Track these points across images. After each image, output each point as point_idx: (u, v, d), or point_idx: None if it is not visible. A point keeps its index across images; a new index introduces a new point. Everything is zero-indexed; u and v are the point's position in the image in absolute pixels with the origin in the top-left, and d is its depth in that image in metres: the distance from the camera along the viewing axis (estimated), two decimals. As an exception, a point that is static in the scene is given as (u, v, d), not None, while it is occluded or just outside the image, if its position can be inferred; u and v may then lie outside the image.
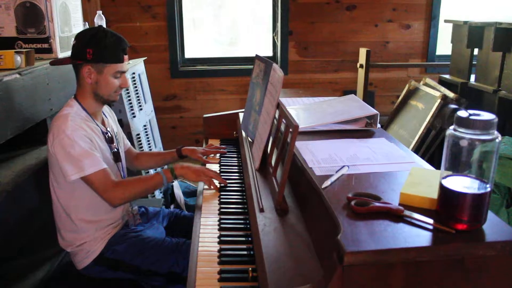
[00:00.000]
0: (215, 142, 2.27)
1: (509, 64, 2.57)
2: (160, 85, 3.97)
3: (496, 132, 0.82)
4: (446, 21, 3.23)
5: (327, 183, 1.12)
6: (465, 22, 2.90)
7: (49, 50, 2.11)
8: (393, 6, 4.03)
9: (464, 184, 0.86)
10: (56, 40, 2.11)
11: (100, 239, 1.69)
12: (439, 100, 2.73)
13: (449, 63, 3.27)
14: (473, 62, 2.98)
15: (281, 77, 1.49)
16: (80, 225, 1.67)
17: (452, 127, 0.85)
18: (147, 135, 3.10)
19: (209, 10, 4.15)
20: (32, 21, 2.06)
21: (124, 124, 2.68)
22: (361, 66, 3.38)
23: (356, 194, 1.02)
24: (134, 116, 2.83)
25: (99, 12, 2.85)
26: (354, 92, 3.27)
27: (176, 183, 2.75)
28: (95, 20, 2.84)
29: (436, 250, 0.83)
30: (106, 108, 1.87)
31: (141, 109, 3.02)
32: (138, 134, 2.86)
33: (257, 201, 1.31)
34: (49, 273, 1.80)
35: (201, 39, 4.14)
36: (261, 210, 1.26)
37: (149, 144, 3.10)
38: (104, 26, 2.80)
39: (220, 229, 1.43)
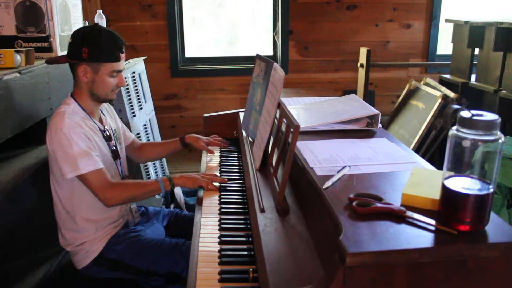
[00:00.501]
0: (216, 142, 2.27)
1: (510, 64, 2.57)
2: (160, 84, 3.96)
3: (499, 133, 0.82)
4: (446, 20, 3.22)
5: (328, 183, 1.11)
6: (466, 22, 2.90)
7: (49, 49, 2.10)
8: (394, 6, 4.03)
9: (466, 185, 0.86)
10: (56, 39, 2.10)
11: (100, 239, 1.69)
12: (439, 100, 2.73)
13: (449, 63, 3.27)
14: (474, 62, 2.98)
15: (282, 76, 1.48)
16: (80, 224, 1.67)
17: (454, 127, 0.84)
18: (147, 134, 3.09)
19: (209, 9, 4.15)
20: (32, 20, 2.05)
21: (124, 124, 2.67)
22: (362, 65, 3.38)
23: (358, 194, 1.02)
24: (134, 116, 2.82)
25: (99, 11, 2.84)
26: (355, 92, 3.27)
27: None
28: (95, 19, 2.83)
29: (438, 251, 0.82)
30: (104, 105, 1.86)
31: (141, 109, 3.02)
32: (138, 134, 2.86)
33: (257, 201, 1.31)
34: (48, 273, 1.80)
35: (201, 38, 4.14)
36: (262, 210, 1.25)
37: (148, 141, 3.09)
38: (104, 25, 2.80)
39: (221, 229, 1.43)
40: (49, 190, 1.70)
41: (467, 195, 0.85)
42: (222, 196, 1.65)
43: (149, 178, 2.88)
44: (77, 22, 2.38)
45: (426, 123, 2.76)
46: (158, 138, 3.42)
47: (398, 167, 1.24)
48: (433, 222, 0.89)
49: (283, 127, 1.40)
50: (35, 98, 1.85)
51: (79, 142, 1.56)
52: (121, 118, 2.63)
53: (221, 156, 2.04)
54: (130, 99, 2.79)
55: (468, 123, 0.82)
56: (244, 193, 1.65)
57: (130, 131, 2.69)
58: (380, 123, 1.67)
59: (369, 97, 3.47)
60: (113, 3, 3.78)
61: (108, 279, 1.69)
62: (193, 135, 2.06)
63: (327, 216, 1.00)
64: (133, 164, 2.39)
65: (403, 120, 3.07)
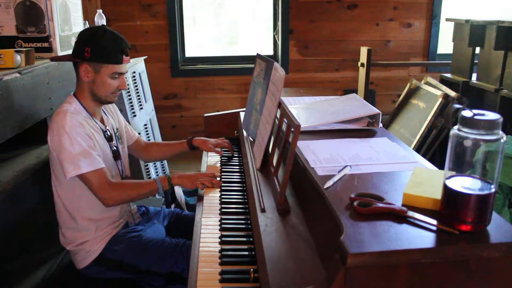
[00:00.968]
0: (216, 142, 2.26)
1: (510, 63, 2.56)
2: (161, 84, 3.96)
3: (501, 132, 0.82)
4: (447, 19, 3.22)
5: (329, 183, 1.11)
6: (467, 21, 2.89)
7: (49, 49, 2.10)
8: (394, 5, 4.02)
9: (468, 184, 0.85)
10: (56, 39, 2.10)
11: (100, 238, 1.69)
12: (440, 99, 2.72)
13: (450, 62, 3.27)
14: (475, 61, 2.97)
15: (282, 76, 1.48)
16: (81, 223, 1.67)
17: (456, 127, 0.84)
18: (147, 134, 3.09)
19: (210, 9, 4.14)
20: (32, 20, 2.05)
21: (124, 123, 2.67)
22: (362, 65, 3.38)
23: (359, 194, 1.02)
24: (135, 115, 2.82)
25: (99, 11, 2.84)
26: (355, 91, 3.26)
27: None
28: (95, 19, 2.83)
29: (439, 251, 0.82)
30: (107, 105, 1.85)
31: (141, 108, 3.02)
32: (139, 133, 2.85)
33: (258, 201, 1.31)
34: (49, 272, 1.80)
35: (201, 38, 4.14)
36: (263, 210, 1.25)
37: (149, 140, 3.09)
38: (104, 24, 2.80)
39: (221, 229, 1.42)
40: (49, 190, 1.70)
41: (469, 195, 0.85)
42: (222, 196, 1.65)
43: (150, 177, 2.88)
44: (77, 22, 2.37)
45: (427, 122, 2.76)
46: (158, 138, 3.42)
47: (399, 166, 1.23)
48: (434, 222, 0.89)
49: (284, 127, 1.40)
50: (35, 98, 1.85)
51: (81, 141, 1.56)
52: (121, 118, 2.63)
53: (221, 156, 2.03)
54: (130, 98, 2.79)
55: (469, 123, 0.81)
56: (245, 193, 1.65)
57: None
58: (381, 122, 1.67)
59: (369, 97, 3.47)
60: (113, 3, 3.78)
61: (109, 279, 1.69)
62: (200, 138, 2.04)
63: (328, 216, 1.00)
64: (134, 164, 2.39)
65: (404, 120, 3.06)
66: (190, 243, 1.53)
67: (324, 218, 1.04)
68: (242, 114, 2.11)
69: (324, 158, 1.30)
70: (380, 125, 1.65)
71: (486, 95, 2.81)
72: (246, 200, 1.60)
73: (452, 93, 2.77)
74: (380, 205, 0.95)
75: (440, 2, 4.04)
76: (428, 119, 2.75)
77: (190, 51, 4.08)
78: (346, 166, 1.21)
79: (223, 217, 1.50)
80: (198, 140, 2.03)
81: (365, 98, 3.14)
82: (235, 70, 4.04)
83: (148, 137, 3.10)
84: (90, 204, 1.66)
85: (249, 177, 1.53)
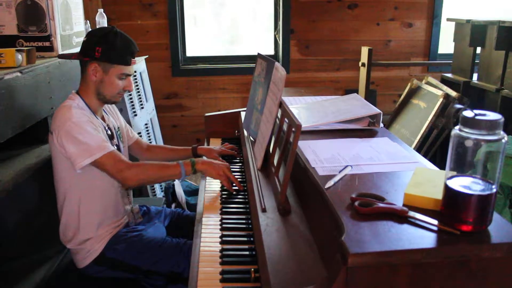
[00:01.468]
0: (217, 141, 2.27)
1: (511, 63, 2.56)
2: (161, 84, 3.96)
3: (502, 133, 0.81)
4: (448, 19, 3.21)
5: (330, 183, 1.11)
6: (468, 21, 2.89)
7: (50, 49, 2.10)
8: (395, 5, 4.02)
9: (469, 184, 0.85)
10: (57, 38, 2.10)
11: (101, 238, 1.69)
12: (441, 99, 2.72)
13: (451, 61, 3.26)
14: (476, 61, 2.97)
15: (283, 76, 1.48)
16: (84, 221, 1.67)
17: (457, 127, 0.84)
18: (148, 133, 3.09)
19: (210, 8, 4.14)
20: (33, 19, 2.05)
21: (125, 123, 2.68)
22: (363, 64, 3.37)
23: (360, 194, 1.02)
24: (136, 115, 2.82)
25: (100, 10, 2.84)
26: (356, 91, 3.26)
27: (177, 182, 2.75)
28: (96, 19, 2.83)
29: (440, 251, 0.82)
30: (106, 105, 1.86)
31: (142, 108, 3.02)
32: (140, 133, 2.85)
33: (259, 201, 1.31)
34: (49, 272, 1.80)
35: (202, 37, 4.13)
36: (263, 210, 1.25)
37: (150, 143, 3.09)
38: (106, 24, 2.80)
39: (222, 229, 1.42)
40: (50, 189, 1.70)
41: (470, 195, 0.85)
42: (223, 196, 1.65)
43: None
44: (78, 21, 2.37)
45: (427, 122, 2.76)
46: (159, 138, 3.42)
47: (400, 166, 1.23)
48: (435, 222, 0.89)
49: (285, 127, 1.40)
50: (36, 97, 1.85)
51: (89, 129, 1.58)
52: (122, 118, 2.63)
53: (222, 156, 2.03)
54: (131, 98, 2.79)
55: (471, 123, 0.81)
56: (246, 193, 1.65)
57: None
58: (382, 122, 1.67)
59: (370, 96, 3.47)
60: (114, 2, 3.78)
61: (109, 279, 1.69)
62: (204, 147, 2.03)
63: (329, 216, 1.00)
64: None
65: (405, 119, 3.06)
66: (191, 243, 1.53)
67: (325, 218, 1.04)
68: (243, 114, 2.11)
69: (325, 158, 1.30)
70: (381, 125, 1.65)
71: (487, 95, 2.81)
72: (246, 200, 1.60)
73: (453, 93, 2.77)
74: (381, 205, 0.95)
75: (441, 2, 4.04)
76: (429, 119, 2.75)
77: (191, 50, 4.08)
78: (347, 166, 1.21)
79: (224, 216, 1.50)
80: (204, 149, 2.01)
81: (366, 98, 3.14)
82: (236, 69, 4.04)
83: (149, 136, 3.10)
84: (94, 202, 1.67)
85: (250, 177, 1.53)
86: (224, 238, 1.36)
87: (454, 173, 0.87)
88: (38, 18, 2.05)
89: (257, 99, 1.80)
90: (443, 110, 2.73)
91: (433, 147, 2.84)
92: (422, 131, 2.77)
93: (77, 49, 1.80)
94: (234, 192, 1.66)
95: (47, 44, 2.09)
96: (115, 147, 1.78)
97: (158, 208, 2.02)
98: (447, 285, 0.82)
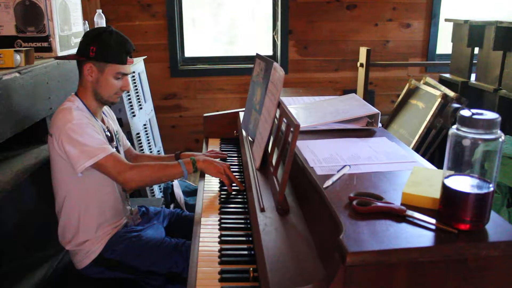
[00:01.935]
0: (215, 142, 2.27)
1: (509, 63, 2.57)
2: (160, 84, 3.96)
3: (499, 132, 0.82)
4: (446, 20, 3.22)
5: (328, 182, 1.11)
6: (466, 21, 2.90)
7: (49, 49, 2.10)
8: (393, 5, 4.02)
9: (467, 183, 0.86)
10: (55, 39, 2.10)
11: (100, 239, 1.69)
12: (439, 99, 2.73)
13: (449, 62, 3.27)
14: (474, 61, 2.98)
15: (282, 76, 1.48)
16: (83, 223, 1.67)
17: (455, 126, 0.84)
18: (147, 134, 3.09)
19: (209, 9, 4.14)
20: (32, 20, 2.05)
21: (124, 124, 2.68)
22: (361, 65, 3.38)
23: (358, 193, 1.02)
24: (134, 115, 2.82)
25: (99, 11, 2.84)
26: (354, 91, 3.27)
27: (176, 182, 2.75)
28: (94, 19, 2.83)
29: (438, 250, 0.82)
30: (105, 108, 1.86)
31: (141, 108, 3.02)
32: (138, 134, 2.86)
33: (257, 200, 1.31)
34: (48, 273, 1.80)
35: (201, 38, 4.14)
36: (262, 210, 1.25)
37: (149, 143, 3.09)
38: (104, 24, 2.80)
39: (221, 228, 1.43)
40: (48, 190, 1.70)
41: (467, 194, 0.85)
42: (222, 196, 1.65)
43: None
44: (77, 22, 2.38)
45: (426, 122, 2.76)
46: (158, 138, 3.42)
47: (398, 166, 1.24)
48: (433, 221, 0.89)
49: (283, 127, 1.40)
50: (35, 98, 1.85)
51: (89, 131, 1.58)
52: (121, 118, 2.64)
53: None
54: (130, 99, 2.79)
55: (468, 122, 0.82)
56: (244, 193, 1.65)
57: (130, 131, 2.70)
58: (380, 122, 1.67)
59: (369, 97, 3.48)
60: (112, 3, 3.78)
61: (109, 279, 1.69)
62: (187, 153, 1.98)
63: (327, 215, 1.00)
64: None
65: (403, 120, 3.07)
66: (189, 243, 1.53)
67: (324, 217, 1.04)
68: (241, 114, 2.11)
69: (324, 158, 1.31)
70: (379, 125, 1.66)
71: (485, 95, 2.82)
72: (245, 200, 1.60)
73: (451, 93, 2.77)
74: (379, 204, 0.96)
75: (439, 3, 4.05)
76: (427, 119, 2.76)
77: (190, 51, 4.08)
78: (345, 166, 1.22)
79: (223, 216, 1.50)
80: (186, 155, 1.96)
81: (364, 98, 3.14)
82: (235, 70, 4.04)
83: (148, 137, 3.10)
84: (93, 204, 1.67)
85: (248, 177, 1.54)
86: (222, 238, 1.37)
87: (452, 172, 0.87)
88: (36, 19, 2.05)
89: (255, 99, 1.80)
90: (441, 110, 2.73)
91: (431, 147, 2.85)
92: (420, 131, 2.77)
93: (75, 50, 1.80)
94: (234, 192, 1.66)
95: (45, 44, 2.09)
96: (115, 149, 1.78)
97: (157, 208, 2.02)
98: (445, 284, 0.83)
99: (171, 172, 1.66)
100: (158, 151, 3.38)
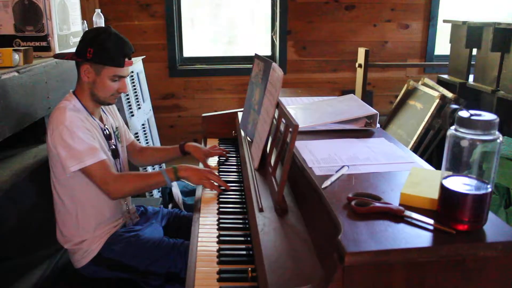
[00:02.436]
0: (214, 142, 2.27)
1: (507, 64, 2.58)
2: (159, 84, 3.96)
3: (497, 133, 0.82)
4: (444, 21, 3.23)
5: (327, 183, 1.11)
6: (464, 22, 2.91)
7: (48, 48, 2.10)
8: (392, 6, 4.03)
9: (465, 184, 0.86)
10: (54, 38, 2.10)
11: (98, 238, 1.69)
12: (437, 100, 2.74)
13: (447, 63, 3.28)
14: (472, 62, 2.98)
15: (280, 76, 1.48)
16: (81, 221, 1.67)
17: (453, 127, 0.85)
18: (145, 134, 3.09)
19: (208, 9, 4.14)
20: (31, 19, 2.05)
21: (122, 123, 2.67)
22: (360, 66, 3.38)
23: (356, 194, 1.02)
24: (133, 115, 2.82)
25: (98, 10, 2.84)
26: (353, 92, 3.27)
27: (174, 182, 2.74)
28: (93, 19, 2.83)
29: (436, 250, 0.83)
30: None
31: (139, 108, 3.02)
32: (137, 133, 2.85)
33: (256, 200, 1.31)
34: (47, 272, 1.80)
35: (199, 38, 4.14)
36: (261, 210, 1.25)
37: (147, 143, 3.09)
38: (103, 24, 2.80)
39: (219, 228, 1.43)
40: (47, 189, 1.70)
41: (466, 194, 0.85)
42: (220, 196, 1.65)
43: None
44: (76, 21, 2.37)
45: (424, 123, 2.77)
46: (156, 138, 3.41)
47: (397, 167, 1.24)
48: (431, 221, 0.89)
49: (282, 127, 1.40)
50: (34, 97, 1.85)
51: (81, 135, 1.57)
52: (119, 118, 2.63)
53: (219, 156, 2.04)
54: (128, 98, 2.79)
55: (466, 123, 0.82)
56: (243, 193, 1.66)
57: (129, 130, 2.69)
58: (378, 123, 1.67)
59: (367, 97, 3.48)
60: (111, 2, 3.78)
61: (107, 279, 1.69)
62: (192, 143, 2.02)
63: (326, 215, 1.01)
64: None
65: (401, 120, 3.07)
66: (188, 243, 1.53)
67: (322, 217, 1.04)
68: (240, 114, 2.11)
69: (322, 158, 1.31)
70: (378, 125, 1.66)
71: (483, 96, 2.83)
72: (244, 200, 1.61)
73: (449, 94, 2.78)
74: (378, 204, 0.96)
75: (438, 4, 4.05)
76: (425, 120, 2.76)
77: (188, 51, 4.08)
78: (343, 166, 1.22)
79: (221, 216, 1.50)
80: (191, 146, 2.00)
81: (363, 99, 3.15)
82: (233, 70, 4.04)
83: (146, 137, 3.10)
84: (86, 202, 1.66)
85: (247, 177, 1.54)
86: (221, 238, 1.37)
87: (450, 173, 0.87)
88: (35, 18, 2.05)
89: (254, 99, 1.80)
90: (439, 111, 2.74)
91: (430, 148, 2.86)
92: (418, 132, 2.78)
93: (74, 49, 1.80)
94: (220, 192, 1.67)
95: (44, 44, 2.09)
96: (113, 147, 1.78)
97: (155, 208, 2.02)
98: (443, 284, 0.83)
99: (153, 181, 1.67)
100: (157, 151, 3.37)
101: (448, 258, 0.82)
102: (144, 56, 3.40)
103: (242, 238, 1.38)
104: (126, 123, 2.70)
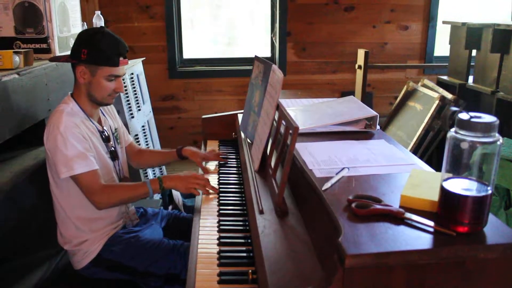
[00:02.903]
0: (214, 143, 2.27)
1: (507, 65, 2.58)
2: (158, 86, 3.96)
3: (497, 135, 0.82)
4: (444, 22, 3.24)
5: (327, 185, 1.11)
6: (463, 24, 2.91)
7: (48, 50, 2.10)
8: (391, 7, 4.04)
9: (465, 186, 0.86)
10: (54, 40, 2.10)
11: (98, 239, 1.69)
12: (437, 101, 2.74)
13: (447, 64, 3.28)
14: (471, 64, 2.99)
15: (280, 78, 1.49)
16: (78, 223, 1.67)
17: (453, 129, 0.85)
18: (145, 136, 3.09)
19: (208, 10, 4.15)
20: (31, 21, 2.06)
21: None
22: (359, 67, 3.39)
23: (357, 196, 1.02)
24: (133, 117, 2.82)
25: (98, 12, 2.84)
26: (352, 93, 3.27)
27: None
28: (93, 20, 2.84)
29: (437, 252, 0.83)
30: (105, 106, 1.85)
31: (139, 110, 3.02)
32: (137, 135, 2.86)
33: (256, 202, 1.31)
34: (47, 273, 1.80)
35: (199, 40, 4.14)
36: (261, 212, 1.25)
37: (147, 145, 3.09)
38: (103, 26, 2.80)
39: (220, 230, 1.43)
40: (47, 191, 1.70)
41: (466, 196, 0.85)
42: (220, 198, 1.65)
43: (147, 177, 2.88)
44: (76, 23, 2.38)
45: (423, 124, 2.77)
46: (156, 140, 3.42)
47: (397, 168, 1.24)
48: (431, 223, 0.90)
49: (282, 129, 1.40)
50: (34, 99, 1.85)
51: (75, 142, 1.56)
52: (119, 120, 2.63)
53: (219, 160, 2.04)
54: (128, 100, 2.79)
55: (466, 125, 0.82)
56: (243, 195, 1.66)
57: (129, 132, 2.69)
58: (378, 124, 1.68)
59: (367, 99, 3.48)
60: (111, 4, 3.78)
61: (107, 280, 1.69)
62: (189, 148, 2.00)
63: (326, 217, 1.01)
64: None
65: (401, 122, 3.07)
66: (188, 245, 1.53)
67: (322, 219, 1.04)
68: (240, 116, 2.11)
69: (322, 160, 1.31)
70: (378, 127, 1.66)
71: (483, 98, 2.83)
72: (244, 202, 1.61)
73: (449, 96, 2.78)
74: (378, 206, 0.96)
75: (437, 5, 4.06)
76: (425, 121, 2.76)
77: (188, 52, 4.08)
78: (343, 168, 1.22)
79: (221, 218, 1.50)
80: (188, 151, 1.99)
81: (363, 100, 3.15)
82: (233, 72, 4.05)
83: (146, 138, 3.10)
84: (83, 204, 1.66)
85: (247, 179, 1.54)
86: (221, 240, 1.37)
87: (450, 175, 0.88)
88: (35, 20, 2.05)
89: (254, 101, 1.81)
90: (439, 112, 2.74)
91: (429, 149, 2.86)
92: (418, 133, 2.78)
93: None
94: (210, 195, 1.67)
95: (44, 46, 2.09)
96: (112, 149, 1.77)
97: (155, 210, 2.02)
98: (443, 286, 0.83)
99: (138, 192, 1.65)
100: (157, 152, 3.37)
101: (448, 260, 0.82)
102: (144, 58, 3.40)
103: (242, 240, 1.38)
104: (126, 125, 2.70)
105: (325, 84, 4.15)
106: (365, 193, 1.06)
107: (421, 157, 2.75)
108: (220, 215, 1.53)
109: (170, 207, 2.65)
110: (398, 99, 3.23)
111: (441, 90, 2.90)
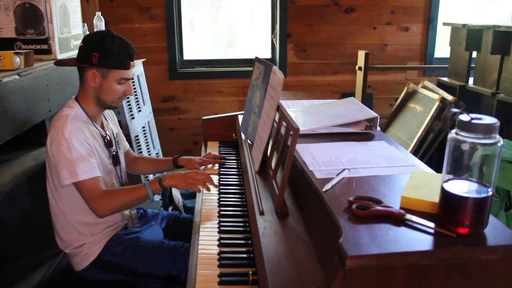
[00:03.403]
0: (214, 144, 2.27)
1: (507, 67, 2.58)
2: (159, 87, 3.96)
3: (498, 136, 0.82)
4: (444, 24, 3.23)
5: (327, 186, 1.11)
6: (464, 25, 2.91)
7: (48, 51, 2.10)
8: (392, 9, 4.04)
9: (465, 188, 0.86)
10: (55, 41, 2.11)
11: (98, 241, 1.68)
12: (437, 103, 2.74)
13: (447, 65, 3.28)
14: (472, 65, 2.99)
15: (281, 79, 1.49)
16: (77, 226, 1.66)
17: (454, 130, 0.85)
18: (145, 136, 3.09)
19: (208, 12, 4.15)
20: (32, 22, 2.06)
21: (122, 126, 2.68)
22: (360, 68, 3.39)
23: (357, 197, 1.02)
24: (133, 118, 2.82)
25: (98, 13, 2.85)
26: (353, 95, 3.28)
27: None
28: (94, 21, 2.84)
29: (437, 254, 0.83)
30: (106, 110, 1.85)
31: (139, 111, 3.02)
32: (137, 136, 2.86)
33: (257, 203, 1.31)
34: (47, 274, 1.80)
35: (199, 41, 4.14)
36: (261, 213, 1.25)
37: (147, 146, 3.09)
38: (103, 27, 2.80)
39: (220, 231, 1.43)
40: (47, 192, 1.70)
41: (466, 198, 0.85)
42: (221, 199, 1.65)
43: (147, 179, 2.87)
44: (76, 24, 2.38)
45: (424, 125, 2.77)
46: (156, 141, 3.42)
47: (397, 170, 1.24)
48: (432, 225, 0.90)
49: (283, 130, 1.41)
50: (34, 100, 1.85)
51: (79, 148, 1.56)
52: (120, 121, 2.64)
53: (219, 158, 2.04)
54: (129, 101, 2.80)
55: (467, 127, 0.82)
56: (243, 196, 1.66)
57: (129, 133, 2.70)
58: (379, 126, 1.68)
59: (367, 100, 3.48)
60: (111, 5, 3.78)
61: (107, 281, 1.69)
62: (185, 157, 1.99)
63: (327, 218, 1.01)
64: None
65: (401, 123, 3.07)
66: (188, 246, 1.53)
67: (323, 220, 1.04)
68: (240, 117, 2.11)
69: (323, 161, 1.31)
70: (378, 128, 1.66)
71: (483, 99, 2.83)
72: (244, 203, 1.61)
73: (449, 97, 2.78)
74: (378, 208, 0.96)
75: (437, 6, 4.06)
76: (425, 122, 2.76)
77: (188, 53, 4.08)
78: (344, 169, 1.22)
79: (222, 219, 1.50)
80: (184, 160, 1.98)
81: (363, 102, 3.15)
82: (233, 73, 4.05)
83: (146, 139, 3.10)
84: (83, 208, 1.65)
85: (247, 180, 1.54)
86: (222, 241, 1.37)
87: (451, 176, 0.88)
88: (36, 21, 2.06)
89: (254, 102, 1.81)
90: (439, 114, 2.74)
91: (430, 150, 2.86)
92: (418, 135, 2.78)
93: (75, 52, 1.80)
94: (210, 191, 1.67)
95: (45, 47, 2.09)
96: (114, 153, 1.77)
97: (155, 211, 2.02)
98: (444, 287, 0.83)
99: (138, 195, 1.62)
100: (157, 153, 3.38)
101: (448, 261, 0.82)
102: (145, 59, 3.40)
103: (242, 241, 1.38)
104: (127, 126, 2.71)
105: (326, 85, 4.15)
106: (365, 194, 1.06)
107: (421, 159, 2.75)
108: (220, 216, 1.53)
109: (170, 208, 2.65)
110: (399, 100, 3.24)
111: (441, 91, 2.90)
